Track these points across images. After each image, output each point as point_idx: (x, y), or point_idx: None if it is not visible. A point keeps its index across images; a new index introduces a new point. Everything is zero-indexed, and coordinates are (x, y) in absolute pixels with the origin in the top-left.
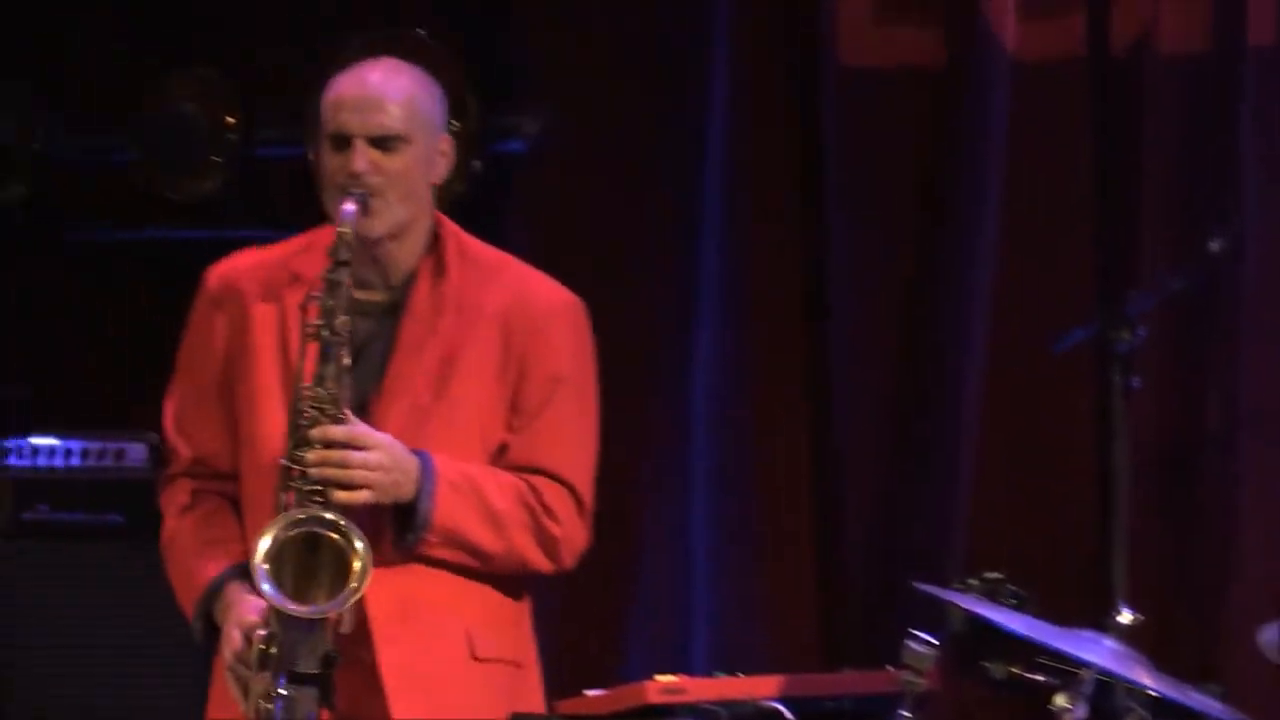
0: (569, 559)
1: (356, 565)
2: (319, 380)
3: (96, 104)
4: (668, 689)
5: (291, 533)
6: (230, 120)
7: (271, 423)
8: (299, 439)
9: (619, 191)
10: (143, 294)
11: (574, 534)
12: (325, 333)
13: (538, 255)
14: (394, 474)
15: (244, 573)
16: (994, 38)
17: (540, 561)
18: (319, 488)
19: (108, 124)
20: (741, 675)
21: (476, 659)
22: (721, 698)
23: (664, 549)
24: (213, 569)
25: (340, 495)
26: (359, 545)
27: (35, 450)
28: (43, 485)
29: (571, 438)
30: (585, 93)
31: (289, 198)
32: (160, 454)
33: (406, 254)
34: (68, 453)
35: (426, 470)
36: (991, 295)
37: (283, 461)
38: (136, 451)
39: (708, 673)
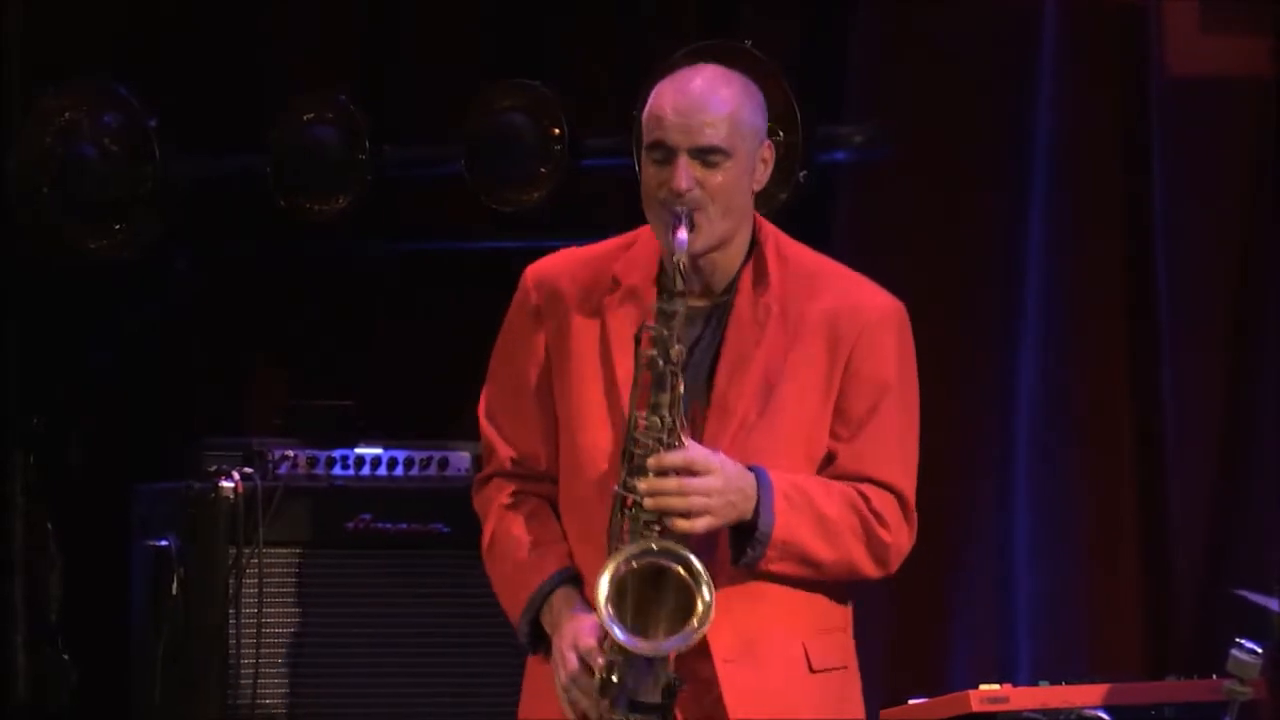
0: (895, 564)
1: (700, 603)
2: (654, 409)
3: (423, 116)
4: (990, 697)
5: (637, 564)
6: (556, 131)
7: (596, 436)
8: (633, 467)
9: (944, 201)
10: (468, 304)
11: (901, 540)
12: (660, 362)
13: (862, 264)
14: (731, 495)
15: (573, 578)
16: None
17: (869, 568)
18: (656, 516)
19: (434, 136)
20: (1065, 684)
21: (813, 671)
22: (1044, 706)
23: (987, 557)
24: (540, 573)
25: (680, 524)
26: (704, 583)
27: (360, 460)
28: (367, 495)
29: (897, 445)
30: (911, 103)
31: (615, 209)
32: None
33: (728, 261)
34: (392, 462)
35: (763, 485)
36: None
37: (616, 489)
38: (460, 460)
39: (1032, 681)
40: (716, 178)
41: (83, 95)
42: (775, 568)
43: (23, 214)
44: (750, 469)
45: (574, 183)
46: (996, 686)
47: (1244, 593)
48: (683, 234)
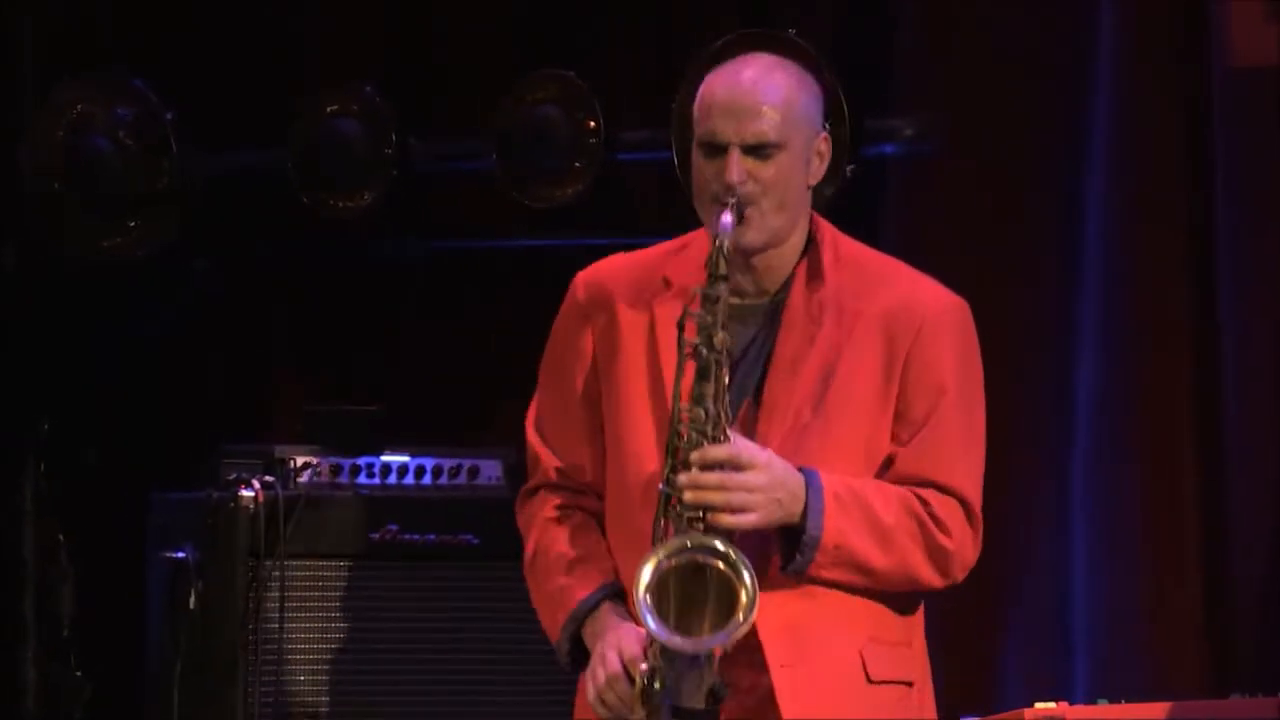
0: (960, 572)
1: (744, 596)
2: (697, 400)
3: (452, 108)
4: (1046, 716)
5: (675, 561)
6: (591, 124)
7: (640, 438)
8: (677, 461)
9: (998, 194)
10: (499, 305)
11: (964, 546)
12: (704, 350)
13: (912, 261)
14: (777, 493)
15: (618, 594)
16: None
17: (930, 576)
18: (699, 513)
19: (464, 129)
20: (1125, 702)
21: (871, 681)
22: None
23: (1043, 570)
24: (584, 588)
25: (725, 519)
26: (746, 574)
27: (386, 468)
28: (392, 504)
29: (959, 448)
30: (963, 94)
31: (651, 204)
32: (516, 472)
33: (782, 259)
34: (419, 470)
35: (813, 488)
36: None
37: (661, 487)
38: (491, 469)
39: (1090, 699)
40: (769, 170)
41: (97, 87)
42: (827, 574)
43: (35, 210)
44: (801, 470)
45: (609, 177)
46: (1053, 705)
47: None
48: (727, 217)
